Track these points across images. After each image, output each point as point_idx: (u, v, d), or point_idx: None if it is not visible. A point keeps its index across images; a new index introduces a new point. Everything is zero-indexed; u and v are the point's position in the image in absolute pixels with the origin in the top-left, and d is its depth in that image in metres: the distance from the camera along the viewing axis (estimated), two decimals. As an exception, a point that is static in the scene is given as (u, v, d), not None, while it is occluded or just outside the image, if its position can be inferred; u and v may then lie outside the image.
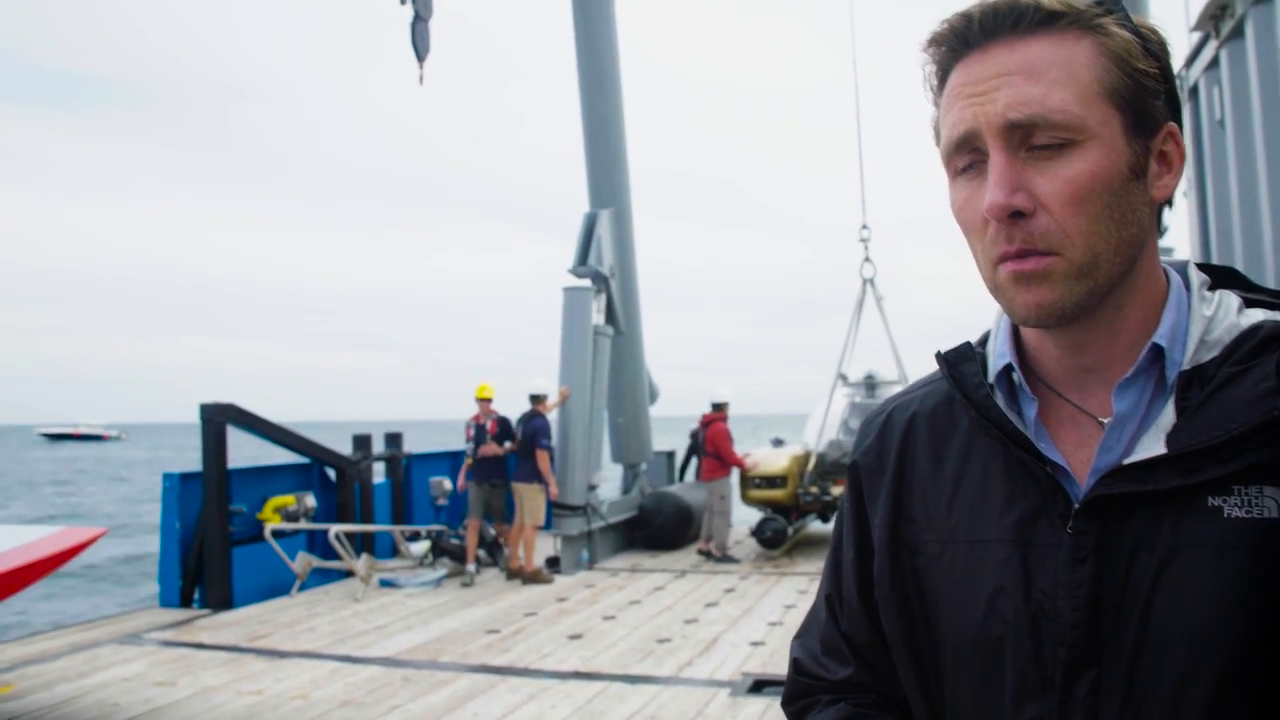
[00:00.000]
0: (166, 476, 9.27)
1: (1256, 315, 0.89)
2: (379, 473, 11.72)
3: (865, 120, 12.29)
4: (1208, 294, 0.91)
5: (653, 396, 13.24)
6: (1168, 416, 0.85)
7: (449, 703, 5.66)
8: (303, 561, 9.36)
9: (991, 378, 0.96)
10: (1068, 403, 0.92)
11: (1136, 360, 0.87)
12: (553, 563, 10.40)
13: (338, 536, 9.51)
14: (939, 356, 1.01)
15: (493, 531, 10.37)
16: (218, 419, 9.06)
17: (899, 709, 1.02)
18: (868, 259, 12.00)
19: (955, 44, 0.87)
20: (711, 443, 11.02)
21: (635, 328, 12.36)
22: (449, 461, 12.73)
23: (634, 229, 12.28)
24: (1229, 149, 6.04)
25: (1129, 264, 0.86)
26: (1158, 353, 0.87)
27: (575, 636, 7.31)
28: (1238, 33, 5.87)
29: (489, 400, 10.19)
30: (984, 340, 1.01)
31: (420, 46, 9.65)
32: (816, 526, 13.06)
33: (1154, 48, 0.86)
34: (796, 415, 17.76)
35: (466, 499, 10.24)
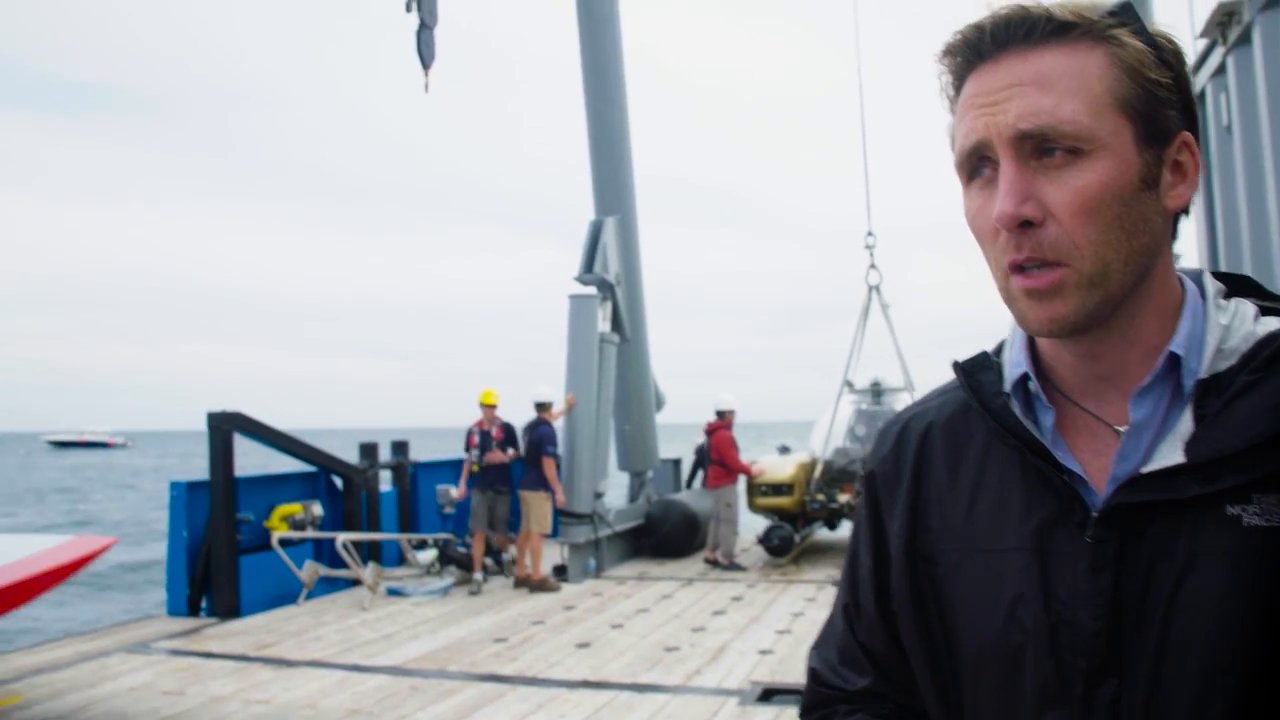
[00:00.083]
0: (174, 485, 9.29)
1: (1273, 323, 0.89)
2: (385, 481, 11.73)
3: (869, 126, 12.32)
4: (1223, 302, 0.91)
5: (659, 404, 13.25)
6: (1185, 425, 0.85)
7: (457, 712, 5.66)
8: (310, 570, 9.37)
9: (1008, 387, 0.96)
10: (1084, 411, 0.92)
11: (1153, 369, 0.87)
12: (560, 571, 10.39)
13: (345, 545, 9.51)
14: (956, 366, 1.02)
15: (495, 543, 10.34)
16: (225, 427, 9.07)
17: (917, 719, 1.02)
18: (874, 266, 11.99)
19: (968, 55, 0.88)
20: (716, 450, 11.02)
21: (641, 335, 12.37)
22: (456, 469, 12.70)
23: (639, 236, 12.31)
24: (1236, 155, 6.03)
25: (1141, 273, 0.86)
26: (1174, 361, 0.88)
27: (583, 645, 7.31)
28: (1245, 39, 5.86)
29: (494, 406, 10.14)
30: (999, 349, 1.01)
31: (426, 54, 9.68)
32: (823, 534, 13.04)
33: (1169, 57, 0.86)
34: (802, 422, 17.73)
35: (469, 507, 10.19)
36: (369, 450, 11.39)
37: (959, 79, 0.89)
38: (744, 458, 11.23)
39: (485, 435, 10.00)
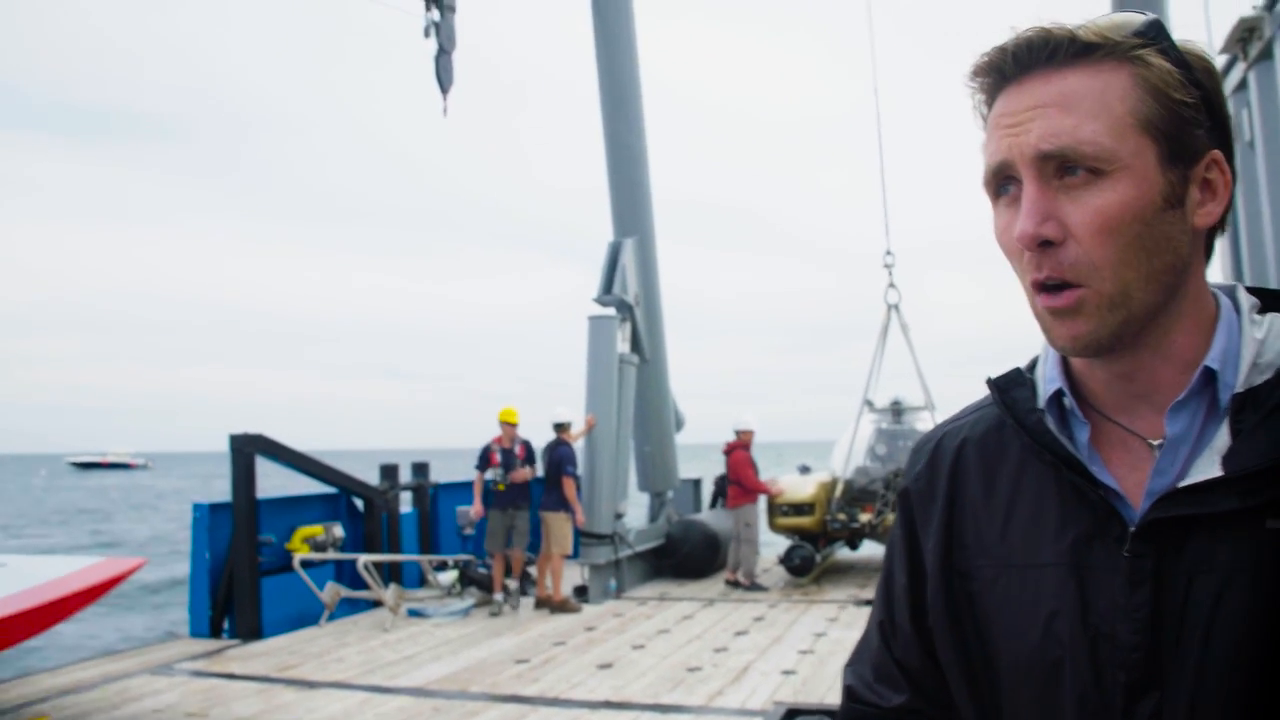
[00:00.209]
0: (196, 507, 9.34)
1: None
2: (406, 502, 11.75)
3: (889, 145, 12.33)
4: (1258, 317, 0.91)
5: (678, 424, 13.23)
6: (1222, 439, 0.85)
7: (479, 733, 5.65)
8: (331, 591, 9.38)
9: (1042, 403, 0.96)
10: (1119, 426, 0.92)
11: (1188, 384, 0.87)
12: (580, 591, 10.37)
13: (366, 566, 9.53)
14: (990, 382, 1.02)
15: (513, 563, 10.29)
16: (247, 449, 9.12)
17: None
18: (892, 284, 11.97)
19: (994, 76, 0.89)
20: (734, 471, 11.00)
21: (660, 355, 12.37)
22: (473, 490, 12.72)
23: (658, 257, 12.33)
24: (1259, 170, 6.02)
25: (1166, 292, 0.86)
26: (1209, 376, 0.88)
27: (605, 666, 7.28)
28: (1266, 55, 5.86)
29: (515, 425, 10.09)
30: (1032, 365, 1.02)
31: (444, 79, 9.78)
32: (845, 554, 12.96)
33: (1199, 75, 0.86)
34: (822, 442, 17.67)
35: (485, 527, 10.04)
36: (389, 472, 11.42)
37: (990, 98, 0.91)
38: (763, 477, 11.20)
39: (508, 453, 9.90)
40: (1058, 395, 0.95)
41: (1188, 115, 0.85)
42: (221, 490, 9.71)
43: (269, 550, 9.44)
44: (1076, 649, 0.88)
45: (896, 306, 11.95)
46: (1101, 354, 0.88)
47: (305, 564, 9.42)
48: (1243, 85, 6.24)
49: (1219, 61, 6.43)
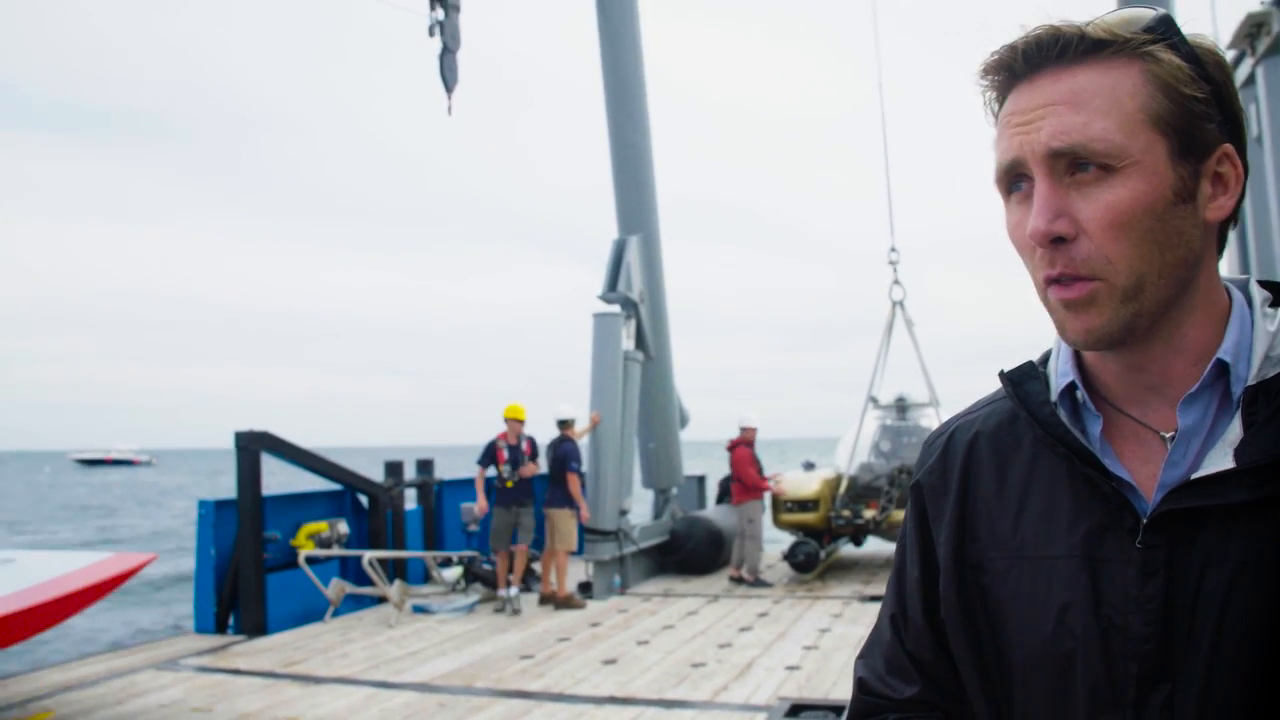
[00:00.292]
0: (202, 504, 9.36)
1: None
2: (411, 499, 11.77)
3: (892, 142, 12.31)
4: (1270, 310, 0.91)
5: (683, 421, 13.24)
6: (1234, 431, 0.85)
7: (485, 728, 5.66)
8: (336, 588, 9.41)
9: (1055, 396, 0.96)
10: (1131, 419, 0.92)
11: (1200, 376, 0.88)
12: (585, 588, 10.38)
13: (371, 563, 9.55)
14: (1002, 375, 1.02)
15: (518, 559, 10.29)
16: (252, 446, 9.14)
17: None
18: (897, 282, 11.97)
19: (1004, 75, 0.89)
20: (736, 467, 11.02)
21: (665, 353, 12.38)
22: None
23: (662, 254, 12.33)
24: (1267, 165, 6.01)
25: (1179, 285, 0.87)
26: (1222, 368, 0.88)
27: (609, 661, 7.29)
28: (1274, 50, 5.85)
29: (522, 421, 10.04)
30: (1045, 359, 1.02)
31: (449, 78, 9.78)
32: (849, 550, 12.96)
33: (1210, 70, 0.86)
34: (826, 439, 17.71)
35: (490, 524, 10.03)
36: (394, 468, 11.44)
37: (1001, 96, 0.91)
38: (767, 473, 11.21)
39: (515, 450, 9.86)
40: (1070, 388, 0.95)
41: (1198, 110, 0.85)
42: (226, 486, 9.74)
43: (274, 547, 9.48)
44: (1089, 640, 0.88)
45: (901, 303, 11.95)
46: (1114, 347, 0.88)
47: (310, 560, 9.45)
48: (1250, 80, 6.22)
49: (1226, 57, 6.43)
